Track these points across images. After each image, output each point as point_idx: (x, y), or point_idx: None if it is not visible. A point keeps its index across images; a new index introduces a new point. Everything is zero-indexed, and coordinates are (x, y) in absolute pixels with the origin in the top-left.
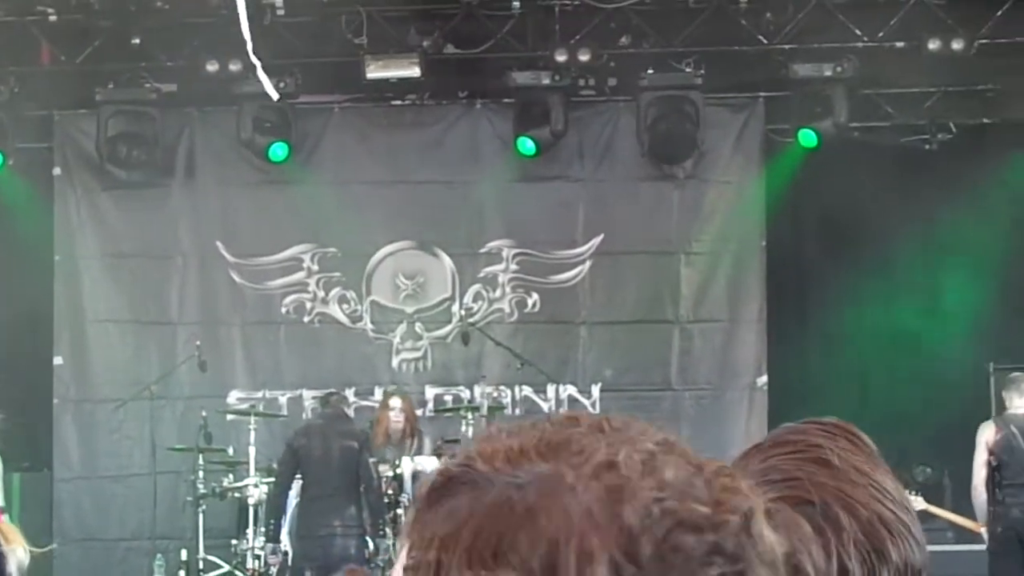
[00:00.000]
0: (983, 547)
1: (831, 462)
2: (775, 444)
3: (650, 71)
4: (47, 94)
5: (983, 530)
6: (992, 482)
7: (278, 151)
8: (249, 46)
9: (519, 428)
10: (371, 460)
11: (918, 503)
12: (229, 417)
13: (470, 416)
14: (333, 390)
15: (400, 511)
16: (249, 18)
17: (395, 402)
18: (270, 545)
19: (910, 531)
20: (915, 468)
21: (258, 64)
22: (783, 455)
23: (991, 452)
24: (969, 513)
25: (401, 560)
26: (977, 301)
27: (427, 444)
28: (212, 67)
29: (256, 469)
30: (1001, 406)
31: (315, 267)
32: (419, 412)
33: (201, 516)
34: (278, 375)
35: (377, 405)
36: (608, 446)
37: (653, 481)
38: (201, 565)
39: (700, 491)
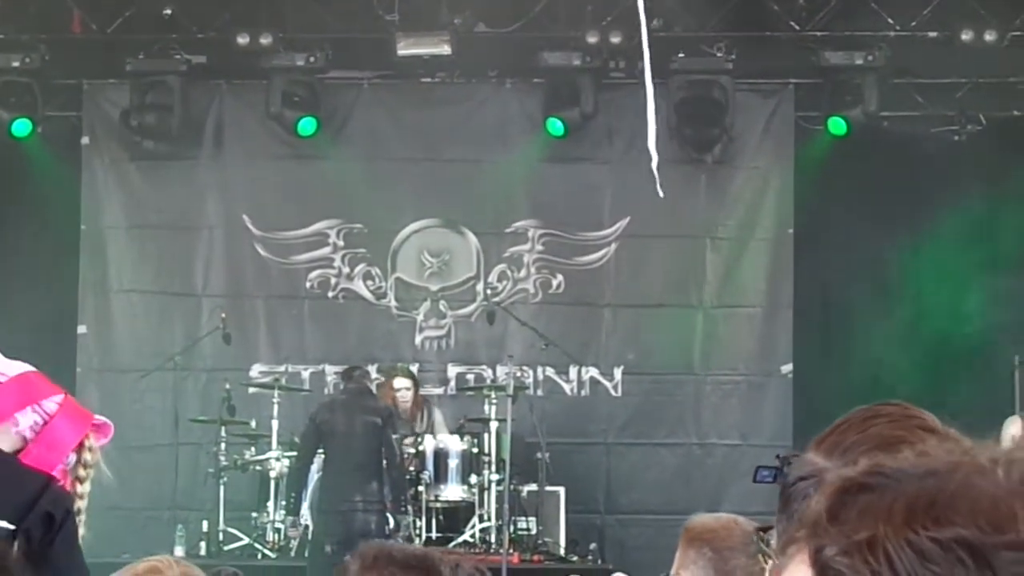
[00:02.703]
0: None
1: (937, 429)
2: (866, 419)
3: (681, 55)
4: (77, 63)
5: None
6: None
7: (307, 126)
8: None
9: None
10: (394, 437)
11: None
12: (252, 390)
13: (493, 396)
14: (356, 365)
15: (421, 488)
16: None
17: (400, 382)
18: (290, 519)
19: None
20: None
21: (655, 158)
22: (883, 425)
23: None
24: None
25: (798, 565)
26: (1003, 294)
27: (438, 419)
28: (242, 40)
29: (278, 442)
30: None
31: (341, 243)
32: (441, 391)
33: (222, 488)
34: (301, 350)
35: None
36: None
37: None
38: (221, 537)
39: None
